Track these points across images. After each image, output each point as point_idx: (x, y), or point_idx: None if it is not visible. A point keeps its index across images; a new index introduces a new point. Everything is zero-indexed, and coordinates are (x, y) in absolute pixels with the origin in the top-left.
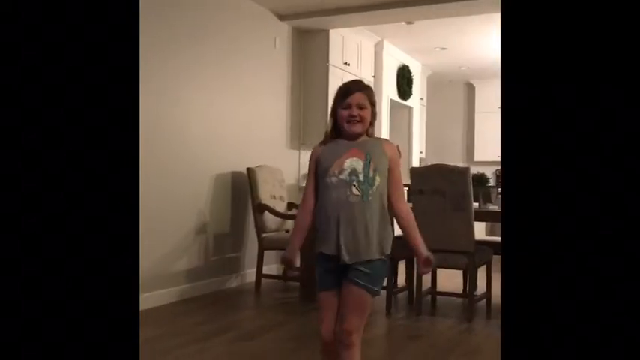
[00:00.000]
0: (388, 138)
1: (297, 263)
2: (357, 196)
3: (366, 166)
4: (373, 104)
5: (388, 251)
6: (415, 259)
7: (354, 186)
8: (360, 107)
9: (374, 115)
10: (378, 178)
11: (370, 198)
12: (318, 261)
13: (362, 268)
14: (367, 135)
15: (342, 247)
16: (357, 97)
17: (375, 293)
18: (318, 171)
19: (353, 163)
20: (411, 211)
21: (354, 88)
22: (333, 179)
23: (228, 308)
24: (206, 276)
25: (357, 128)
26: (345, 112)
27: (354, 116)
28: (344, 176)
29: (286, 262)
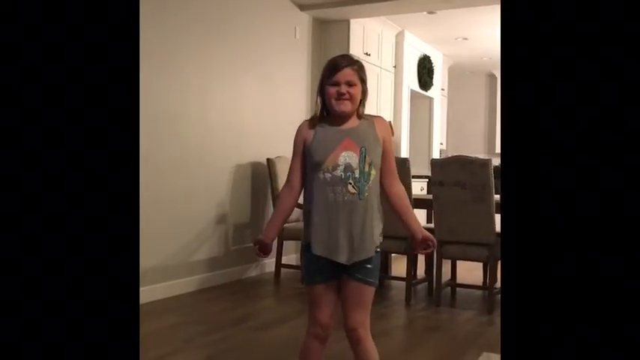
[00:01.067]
0: (408, 129)
1: (270, 249)
2: (354, 194)
3: (362, 161)
4: (363, 81)
5: (381, 241)
6: (413, 241)
7: (350, 184)
8: (350, 84)
9: (364, 93)
10: (373, 172)
11: (367, 194)
12: (309, 256)
13: (361, 264)
14: (357, 115)
15: (339, 249)
16: (346, 74)
17: (374, 285)
18: (307, 159)
19: (347, 158)
20: (405, 192)
21: (343, 63)
22: (327, 175)
23: (247, 297)
24: (226, 265)
25: (346, 107)
26: (333, 90)
27: (343, 94)
28: (338, 172)
29: (261, 246)
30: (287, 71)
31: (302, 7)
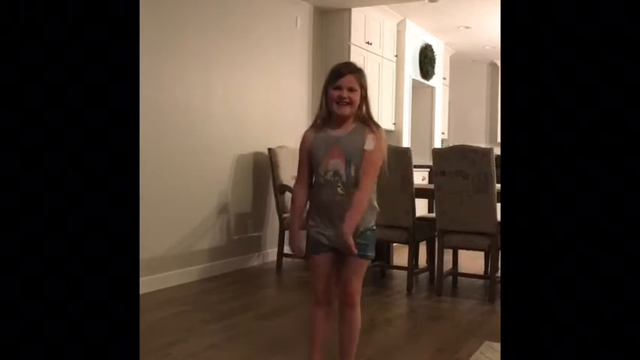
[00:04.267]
0: (409, 119)
1: (304, 247)
2: (342, 195)
3: (347, 167)
4: (363, 88)
5: (373, 223)
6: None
7: (339, 186)
8: (351, 90)
9: (364, 98)
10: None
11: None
12: (311, 236)
13: (356, 241)
14: (356, 118)
15: (335, 239)
16: (348, 80)
17: (368, 258)
18: (311, 160)
19: (335, 164)
20: (360, 198)
21: (345, 70)
22: (321, 179)
23: (250, 287)
24: (228, 255)
25: (346, 110)
26: (335, 93)
27: (344, 98)
28: (329, 177)
29: (297, 252)
30: (288, 61)
31: None
